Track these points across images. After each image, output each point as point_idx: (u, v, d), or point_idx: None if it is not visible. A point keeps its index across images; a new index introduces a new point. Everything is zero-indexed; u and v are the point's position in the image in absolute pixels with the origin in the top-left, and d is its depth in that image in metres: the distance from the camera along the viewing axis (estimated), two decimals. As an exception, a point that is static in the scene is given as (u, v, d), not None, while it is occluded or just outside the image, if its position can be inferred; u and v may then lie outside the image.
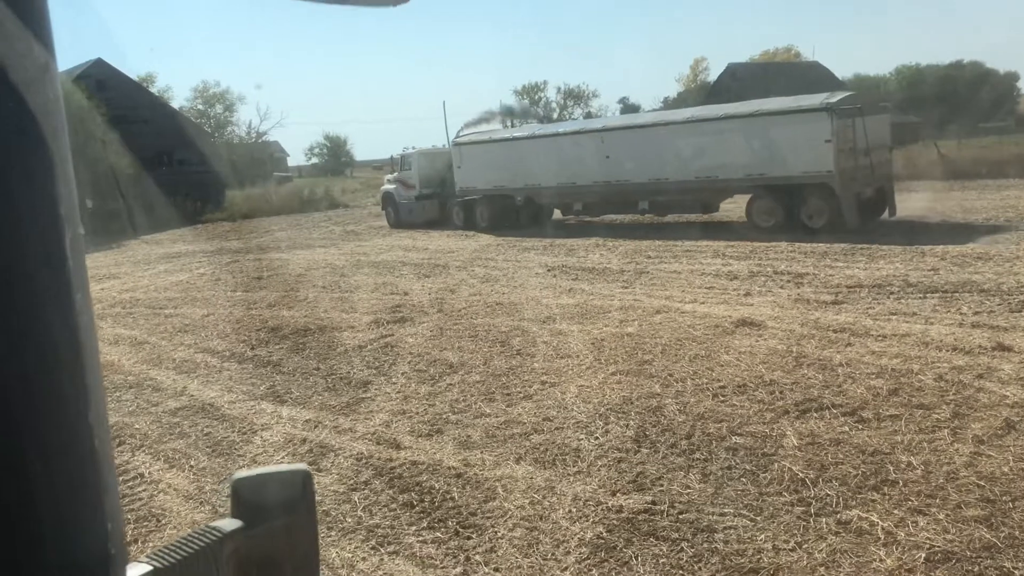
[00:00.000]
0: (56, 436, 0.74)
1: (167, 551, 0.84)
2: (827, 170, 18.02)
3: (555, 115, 74.20)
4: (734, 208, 22.09)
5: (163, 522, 6.03)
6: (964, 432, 6.33)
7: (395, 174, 29.74)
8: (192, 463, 7.18)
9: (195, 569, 0.85)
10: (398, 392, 8.65)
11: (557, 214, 26.22)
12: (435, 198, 28.09)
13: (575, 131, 24.87)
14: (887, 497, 5.41)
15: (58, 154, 0.76)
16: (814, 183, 18.33)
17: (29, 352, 0.72)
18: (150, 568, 0.80)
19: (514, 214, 25.25)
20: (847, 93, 20.53)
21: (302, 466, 1.00)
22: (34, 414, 0.72)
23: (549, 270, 16.07)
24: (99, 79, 41.02)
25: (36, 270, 0.73)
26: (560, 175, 23.61)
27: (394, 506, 5.92)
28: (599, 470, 6.22)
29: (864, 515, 5.19)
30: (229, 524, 0.91)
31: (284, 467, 0.99)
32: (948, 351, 8.43)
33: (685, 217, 22.66)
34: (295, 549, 0.96)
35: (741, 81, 57.03)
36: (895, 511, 5.21)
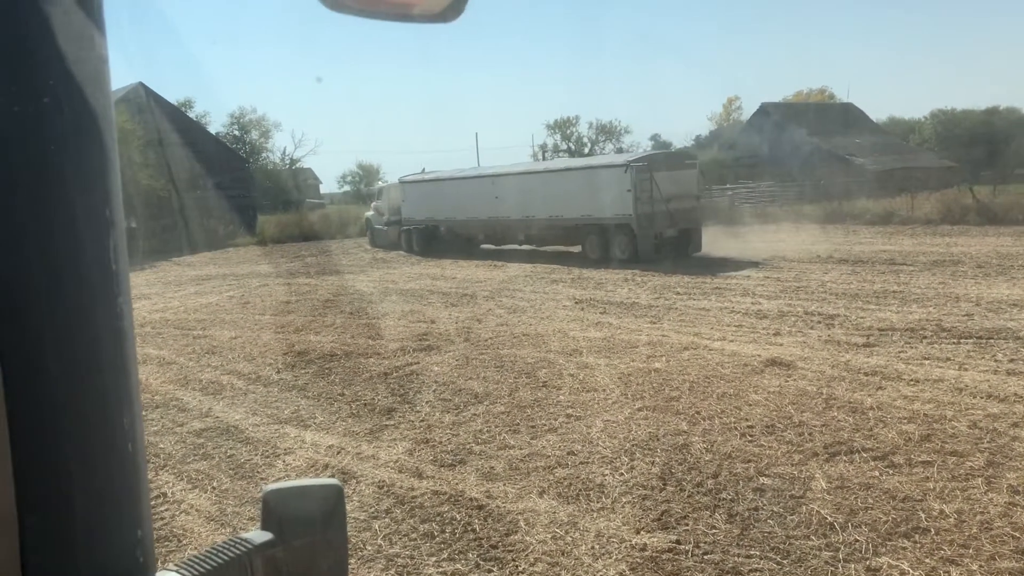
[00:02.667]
0: (94, 436, 0.74)
1: (196, 561, 0.83)
2: (628, 214, 22.77)
3: (586, 150, 74.35)
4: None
5: (184, 542, 6.02)
6: (999, 481, 6.18)
7: (374, 203, 35.14)
8: (215, 484, 7.18)
9: None
10: (422, 421, 8.62)
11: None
12: (398, 224, 32.36)
13: (476, 176, 29.88)
14: (918, 545, 5.28)
15: (111, 154, 0.76)
16: (621, 224, 23.08)
17: (75, 351, 0.72)
18: None
19: (441, 242, 30.01)
20: (652, 152, 26.33)
21: (334, 481, 0.99)
22: (75, 411, 0.72)
23: (577, 303, 16.03)
24: (139, 103, 41.75)
25: (88, 271, 0.73)
26: (468, 211, 28.61)
27: (415, 536, 5.87)
28: (623, 507, 6.13)
29: (894, 563, 5.06)
30: (259, 536, 0.90)
31: (316, 481, 0.97)
32: (983, 398, 8.27)
33: (554, 248, 26.67)
34: (326, 564, 0.95)
35: (774, 121, 57.00)
36: (926, 560, 5.08)
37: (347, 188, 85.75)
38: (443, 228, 30.14)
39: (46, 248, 0.69)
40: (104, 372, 0.74)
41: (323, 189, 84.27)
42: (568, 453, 7.33)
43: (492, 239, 28.59)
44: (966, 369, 9.41)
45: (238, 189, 45.92)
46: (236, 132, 63.46)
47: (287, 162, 67.06)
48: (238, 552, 0.86)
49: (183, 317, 17.02)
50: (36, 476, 0.68)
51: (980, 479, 6.24)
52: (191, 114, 55.44)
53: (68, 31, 0.70)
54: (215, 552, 0.85)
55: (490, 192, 27.58)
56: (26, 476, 0.68)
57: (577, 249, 25.26)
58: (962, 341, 10.82)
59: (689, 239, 23.73)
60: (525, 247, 26.95)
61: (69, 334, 0.71)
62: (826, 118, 58.67)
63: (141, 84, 43.37)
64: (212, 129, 57.86)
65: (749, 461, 6.87)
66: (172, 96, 51.89)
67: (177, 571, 0.80)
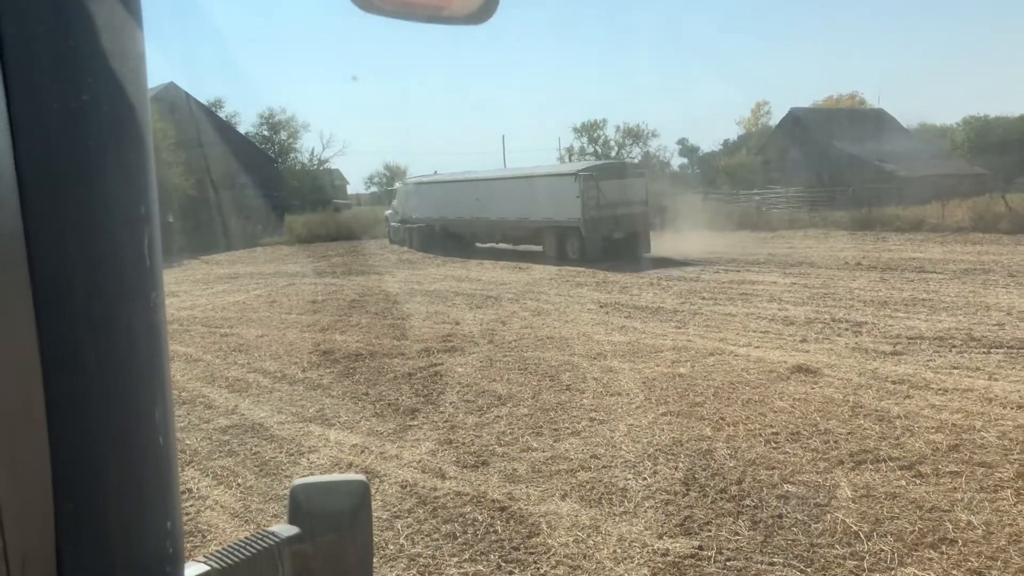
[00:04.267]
0: (128, 429, 0.75)
1: (225, 552, 0.84)
2: (577, 218, 25.45)
3: (612, 153, 74.15)
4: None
5: (208, 538, 6.08)
6: (1028, 493, 6.10)
7: (393, 202, 37.92)
8: (239, 481, 7.24)
9: (253, 572, 0.85)
10: (445, 421, 8.64)
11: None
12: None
13: (461, 180, 32.50)
14: (945, 556, 5.22)
15: (147, 151, 0.77)
16: (572, 227, 25.83)
17: (112, 344, 0.73)
18: (207, 568, 0.80)
19: (437, 239, 32.28)
20: (601, 163, 29.91)
21: (360, 477, 1.00)
22: (110, 404, 0.73)
23: (602, 306, 15.99)
24: (171, 102, 42.20)
25: (124, 266, 0.74)
26: (456, 211, 31.21)
27: (437, 536, 5.89)
28: (646, 511, 6.11)
29: (920, 573, 5.01)
30: (286, 530, 0.91)
31: (343, 477, 0.99)
32: (1013, 408, 8.16)
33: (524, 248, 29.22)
34: (352, 559, 0.96)
35: (803, 126, 56.58)
36: (953, 571, 5.02)
37: (374, 189, 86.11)
38: (438, 227, 32.66)
39: (85, 243, 0.70)
40: (138, 365, 0.76)
41: (350, 190, 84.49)
42: (591, 456, 7.32)
43: (477, 238, 31.73)
44: (996, 379, 9.29)
45: (266, 189, 46.30)
46: (265, 132, 63.85)
47: (315, 163, 67.42)
48: (266, 545, 0.87)
49: (211, 315, 17.18)
50: (72, 467, 0.70)
51: (1009, 490, 6.16)
52: (221, 114, 55.94)
53: (109, 29, 0.71)
54: (244, 544, 0.86)
55: (472, 195, 30.36)
56: (62, 466, 0.69)
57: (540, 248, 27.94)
58: (992, 351, 10.68)
59: (637, 241, 26.14)
60: (502, 245, 30.15)
61: (106, 327, 0.73)
62: (856, 124, 58.12)
63: (173, 83, 43.87)
64: (242, 129, 58.41)
65: (773, 468, 6.83)
66: (203, 96, 52.33)
67: (207, 562, 0.82)
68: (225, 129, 50.05)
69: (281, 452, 7.96)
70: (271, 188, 47.99)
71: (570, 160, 69.99)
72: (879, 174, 48.09)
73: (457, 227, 31.89)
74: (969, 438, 7.32)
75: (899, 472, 6.61)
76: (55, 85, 0.68)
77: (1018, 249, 23.26)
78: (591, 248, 25.21)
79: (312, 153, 68.25)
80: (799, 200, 44.31)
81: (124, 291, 0.74)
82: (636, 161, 35.01)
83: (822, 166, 50.67)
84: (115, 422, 0.73)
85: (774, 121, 68.26)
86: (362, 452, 7.81)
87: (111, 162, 0.72)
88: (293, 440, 8.30)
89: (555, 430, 8.16)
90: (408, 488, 6.79)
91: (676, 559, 5.33)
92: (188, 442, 8.37)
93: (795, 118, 58.57)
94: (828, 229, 33.11)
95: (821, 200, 43.38)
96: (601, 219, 25.44)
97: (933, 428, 7.64)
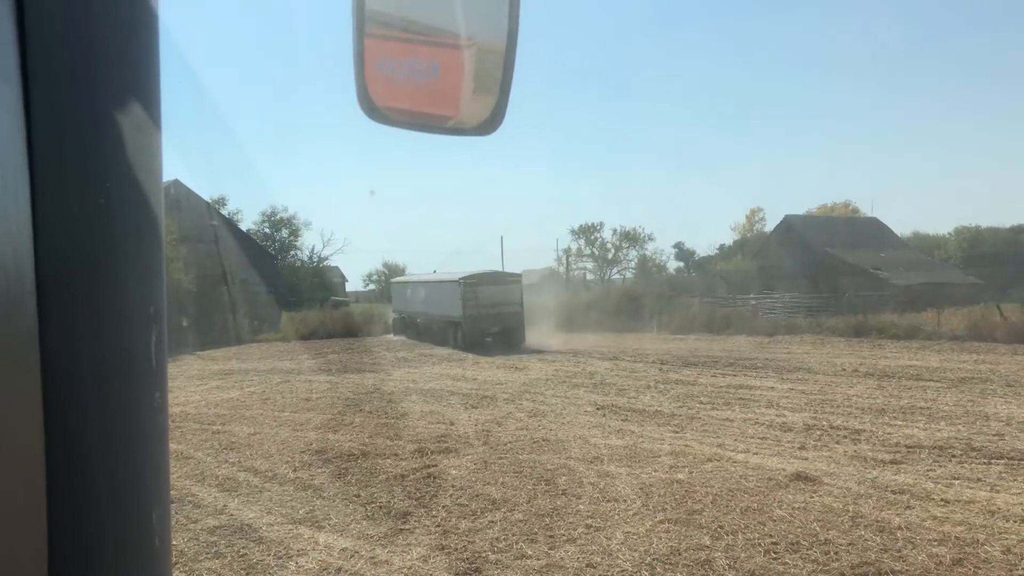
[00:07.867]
0: (124, 530, 0.74)
1: None
2: (459, 315, 32.69)
3: (610, 256, 74.87)
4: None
5: (189, 645, 5.87)
6: (1036, 611, 5.94)
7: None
8: (225, 585, 7.03)
9: None
10: (437, 526, 8.46)
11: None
12: None
13: (411, 281, 42.37)
14: (953, 677, 5.04)
15: (159, 254, 0.79)
16: (457, 322, 33.04)
17: (114, 445, 0.73)
18: None
19: (406, 328, 40.46)
20: (482, 272, 34.58)
21: None
22: (109, 504, 0.73)
23: (599, 409, 15.87)
24: (175, 199, 42.82)
25: (132, 367, 0.75)
26: (411, 306, 39.74)
27: (426, 647, 5.69)
28: (642, 624, 5.93)
29: None
30: None
31: None
32: (1017, 522, 8.01)
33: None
34: None
35: (797, 232, 57.32)
36: None
37: (372, 286, 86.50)
38: (406, 318, 40.79)
39: (96, 345, 0.71)
40: (140, 466, 0.75)
41: (349, 287, 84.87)
42: (587, 565, 7.14)
43: (427, 328, 37.53)
44: (998, 491, 9.16)
45: (265, 285, 46.55)
46: (267, 230, 64.59)
47: (315, 260, 67.94)
48: None
49: (203, 412, 17.02)
50: (69, 571, 0.69)
51: (1016, 608, 6.00)
52: (224, 211, 56.65)
53: (131, 137, 0.73)
54: None
55: (416, 294, 38.92)
56: (59, 571, 0.68)
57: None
58: (993, 461, 10.56)
59: (513, 335, 32.81)
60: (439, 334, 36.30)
61: (111, 429, 0.73)
62: (850, 232, 58.88)
63: (178, 180, 44.58)
64: (243, 226, 58.98)
65: (774, 580, 6.66)
66: (207, 193, 53.08)
67: None
68: (227, 227, 50.62)
69: (269, 555, 7.77)
70: (270, 285, 48.27)
71: (567, 261, 71.09)
72: (874, 282, 48.49)
73: (412, 319, 39.64)
74: (973, 552, 7.17)
75: (902, 587, 6.45)
76: (76, 189, 0.70)
77: (1015, 359, 23.28)
78: (470, 340, 32.07)
79: (312, 251, 68.83)
80: (795, 306, 44.56)
81: (130, 392, 0.74)
82: (514, 272, 39.68)
83: (817, 273, 51.10)
84: (114, 524, 0.73)
85: (769, 227, 69.15)
86: (352, 556, 7.62)
87: (125, 265, 0.74)
88: (282, 542, 8.10)
89: (550, 536, 7.99)
90: (398, 595, 6.60)
91: (674, 676, 5.15)
92: (175, 542, 8.16)
93: (789, 225, 59.34)
94: (824, 335, 33.20)
95: (816, 306, 43.61)
96: (479, 316, 32.35)
97: (936, 541, 7.49)
